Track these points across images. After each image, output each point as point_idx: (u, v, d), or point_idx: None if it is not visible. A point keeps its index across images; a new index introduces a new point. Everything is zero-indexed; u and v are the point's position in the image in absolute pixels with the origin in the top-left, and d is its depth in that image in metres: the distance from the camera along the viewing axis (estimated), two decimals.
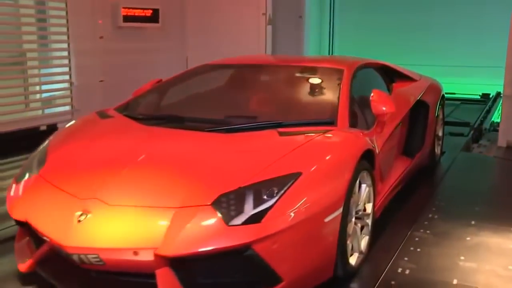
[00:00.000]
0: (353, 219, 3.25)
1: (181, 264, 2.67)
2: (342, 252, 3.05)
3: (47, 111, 6.55)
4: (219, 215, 2.69)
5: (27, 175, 3.32)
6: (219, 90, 4.60)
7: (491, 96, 9.48)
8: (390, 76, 5.17)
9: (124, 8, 7.06)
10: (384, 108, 3.82)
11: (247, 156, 3.16)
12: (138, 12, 7.28)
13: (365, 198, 3.44)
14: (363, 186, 3.41)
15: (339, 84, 4.04)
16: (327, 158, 3.16)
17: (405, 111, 4.65)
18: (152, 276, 2.65)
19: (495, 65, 9.30)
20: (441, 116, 5.74)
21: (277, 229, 2.67)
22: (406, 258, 3.41)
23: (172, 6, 8.00)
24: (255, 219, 2.67)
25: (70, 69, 6.62)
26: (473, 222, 3.99)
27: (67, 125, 3.97)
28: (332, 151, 3.26)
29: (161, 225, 2.71)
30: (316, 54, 10.43)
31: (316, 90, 4.28)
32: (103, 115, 4.02)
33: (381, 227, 3.85)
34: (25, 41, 6.51)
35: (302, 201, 2.79)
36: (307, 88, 4.40)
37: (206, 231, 2.66)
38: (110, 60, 6.94)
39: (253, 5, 8.05)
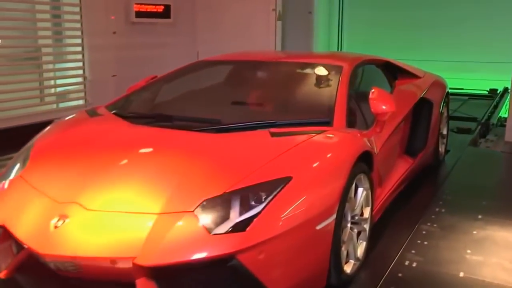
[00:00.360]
0: (349, 225, 3.06)
1: (161, 274, 2.48)
2: (336, 260, 2.87)
3: (61, 105, 6.58)
4: (202, 222, 2.51)
5: (10, 175, 3.12)
6: (213, 88, 4.40)
7: (498, 91, 9.41)
8: (393, 73, 4.98)
9: (136, 4, 7.08)
10: (384, 107, 3.58)
11: (235, 159, 2.94)
12: (150, 8, 7.29)
13: (363, 202, 3.25)
14: (360, 190, 3.21)
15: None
16: (321, 160, 2.97)
17: (408, 109, 4.46)
18: (133, 285, 2.48)
19: (503, 60, 9.26)
20: (445, 114, 5.53)
21: (263, 238, 2.48)
22: (413, 251, 3.41)
23: (183, 2, 8.00)
24: (240, 227, 2.49)
25: (83, 64, 6.65)
26: (480, 216, 3.98)
27: (54, 123, 3.76)
28: (326, 153, 3.05)
29: (141, 232, 2.52)
30: (325, 50, 10.39)
31: (313, 88, 4.07)
32: (92, 113, 3.82)
33: (388, 220, 3.85)
34: (40, 37, 6.53)
35: (292, 207, 2.60)
36: (303, 85, 4.16)
37: (187, 239, 2.47)
38: (122, 55, 6.97)
39: (263, 0, 8.02)
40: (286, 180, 2.69)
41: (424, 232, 3.70)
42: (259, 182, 2.68)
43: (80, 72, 6.67)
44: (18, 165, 3.18)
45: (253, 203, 2.58)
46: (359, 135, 3.43)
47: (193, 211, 2.56)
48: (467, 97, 9.09)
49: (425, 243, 3.54)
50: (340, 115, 3.50)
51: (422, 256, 3.35)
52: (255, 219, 2.51)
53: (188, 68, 4.54)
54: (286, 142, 3.06)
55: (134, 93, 4.16)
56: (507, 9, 9.69)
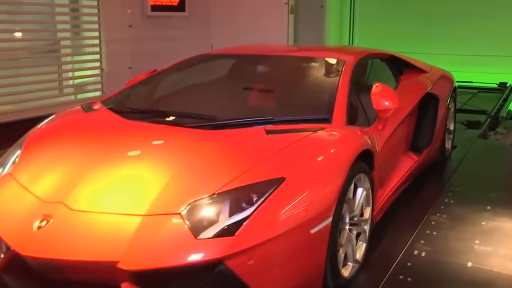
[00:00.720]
0: (347, 227, 2.91)
1: (146, 279, 2.33)
2: (333, 265, 2.71)
3: (79, 96, 6.63)
4: (188, 226, 2.35)
5: (1, 171, 3.00)
6: (210, 83, 4.19)
7: (508, 85, 9.34)
8: (399, 67, 4.77)
9: None
10: (386, 103, 3.38)
11: (227, 158, 2.77)
12: (165, 2, 7.30)
13: (363, 203, 3.08)
14: (360, 190, 3.03)
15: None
16: (317, 160, 2.79)
17: (413, 104, 4.27)
18: None
19: None
20: (453, 109, 5.32)
21: (253, 243, 2.32)
22: (422, 241, 3.41)
23: None
24: (229, 231, 2.33)
25: (101, 56, 6.69)
26: (488, 207, 3.97)
27: (49, 118, 3.56)
28: (323, 152, 2.86)
29: (125, 235, 2.36)
30: (337, 43, 10.35)
31: (313, 83, 3.89)
32: (87, 108, 3.63)
33: (397, 211, 3.85)
34: (59, 30, 6.57)
35: (285, 210, 2.44)
36: (303, 80, 3.98)
37: (172, 244, 2.32)
38: (138, 48, 6.99)
39: None
40: (279, 181, 2.52)
41: (433, 223, 3.70)
42: (250, 183, 2.51)
43: (97, 64, 6.71)
44: (9, 162, 3.04)
45: (244, 205, 2.42)
46: (359, 132, 3.24)
47: (179, 213, 2.41)
48: (476, 91, 9.03)
49: (434, 233, 3.53)
50: (339, 112, 3.30)
51: (431, 246, 3.35)
52: (245, 223, 2.35)
53: (187, 62, 4.33)
54: (281, 140, 2.89)
55: (131, 88, 4.00)
56: None
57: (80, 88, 6.80)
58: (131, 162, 2.83)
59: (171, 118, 3.31)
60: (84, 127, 3.30)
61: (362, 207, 3.10)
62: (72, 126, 3.36)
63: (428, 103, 4.49)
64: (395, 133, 3.81)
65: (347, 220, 2.91)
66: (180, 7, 7.53)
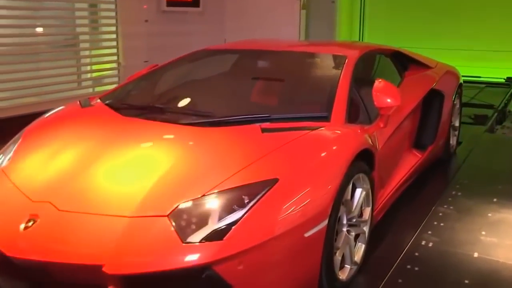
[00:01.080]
0: (345, 229, 2.77)
1: (131, 284, 2.19)
2: (328, 268, 2.57)
3: (97, 89, 6.67)
4: (175, 229, 2.21)
5: None
6: (209, 79, 4.00)
7: None
8: (403, 63, 4.59)
9: None
10: (388, 100, 3.21)
11: (219, 157, 2.61)
12: None
13: (362, 203, 2.94)
14: (359, 190, 2.88)
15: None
16: (312, 160, 2.61)
17: (417, 101, 4.10)
18: None
19: None
20: (458, 105, 5.13)
21: (243, 248, 2.18)
22: (429, 232, 3.42)
23: None
24: (217, 234, 2.19)
25: (117, 50, 6.72)
26: (495, 200, 3.97)
27: (46, 114, 3.41)
28: (319, 152, 2.69)
29: (111, 237, 2.23)
30: (347, 39, 10.31)
31: (313, 79, 3.69)
32: (85, 103, 3.48)
33: (405, 202, 3.86)
34: (78, 25, 6.61)
35: (277, 213, 2.29)
36: (303, 77, 3.75)
37: (158, 247, 2.19)
38: (154, 42, 7.02)
39: None
40: (272, 182, 2.37)
41: (440, 214, 3.70)
42: (242, 185, 2.36)
43: (115, 58, 6.74)
44: (4, 158, 2.93)
45: (235, 207, 2.27)
46: (359, 131, 3.06)
47: (167, 215, 2.26)
48: (484, 85, 8.98)
49: (442, 224, 3.54)
50: (339, 110, 3.13)
51: (438, 236, 3.36)
52: (234, 226, 2.21)
53: (188, 57, 4.14)
54: (276, 139, 2.72)
55: (131, 83, 3.84)
56: None
57: (97, 81, 6.84)
58: (121, 161, 2.69)
59: (166, 114, 3.14)
60: (78, 124, 3.15)
61: (361, 207, 2.96)
62: (66, 122, 3.21)
63: (433, 99, 4.36)
64: (398, 130, 3.64)
65: (345, 222, 2.78)
66: (195, 3, 7.54)
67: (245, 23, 8.16)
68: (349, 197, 2.76)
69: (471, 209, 3.81)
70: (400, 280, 2.86)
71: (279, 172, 2.44)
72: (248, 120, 2.96)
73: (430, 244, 3.26)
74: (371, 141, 3.08)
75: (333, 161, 2.68)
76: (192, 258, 2.15)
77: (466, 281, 2.86)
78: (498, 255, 3.14)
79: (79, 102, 3.52)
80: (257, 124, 2.89)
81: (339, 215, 2.63)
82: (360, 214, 2.96)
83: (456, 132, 5.21)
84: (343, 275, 2.78)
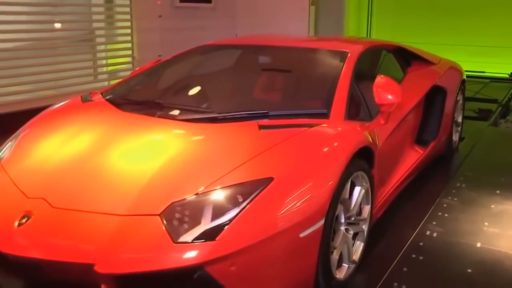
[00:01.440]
0: (343, 228, 2.64)
1: (123, 283, 2.11)
2: (324, 268, 2.45)
3: (112, 82, 6.71)
4: (167, 228, 2.11)
5: None
6: (210, 74, 3.86)
7: None
8: (406, 59, 4.44)
9: None
10: (389, 97, 3.09)
11: (215, 154, 2.50)
12: None
13: (361, 202, 2.82)
14: (357, 189, 2.76)
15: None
16: (309, 159, 2.48)
17: (419, 97, 3.96)
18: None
19: None
20: (461, 101, 4.99)
21: (235, 248, 2.08)
22: (434, 222, 3.43)
23: None
24: (210, 234, 2.09)
25: (132, 45, 6.76)
26: (498, 191, 3.97)
27: (48, 108, 3.33)
28: (316, 150, 2.56)
29: (103, 236, 2.15)
30: (355, 35, 10.28)
31: (313, 75, 3.50)
32: (86, 98, 3.38)
33: (410, 195, 3.86)
34: (94, 21, 6.65)
35: (271, 213, 2.19)
36: (303, 73, 3.59)
37: (149, 247, 2.09)
38: (167, 37, 7.04)
39: None
40: (267, 181, 2.26)
41: (445, 205, 3.71)
42: (236, 183, 2.25)
43: (129, 52, 6.78)
44: (4, 152, 2.86)
45: (230, 206, 2.17)
46: (359, 128, 2.93)
47: (159, 214, 2.17)
48: (488, 80, 8.93)
49: (446, 215, 3.56)
50: (338, 106, 2.99)
51: (442, 227, 3.38)
52: (227, 226, 2.11)
53: (189, 53, 3.99)
54: (273, 136, 2.60)
55: (132, 79, 3.73)
56: None
57: (113, 74, 6.88)
58: (116, 157, 2.59)
59: (164, 110, 3.01)
60: (77, 119, 3.05)
61: (360, 205, 2.84)
62: (66, 117, 3.12)
63: (435, 95, 4.24)
64: (399, 127, 3.51)
65: (343, 221, 2.66)
66: None
67: (255, 19, 8.16)
68: (347, 195, 2.65)
69: (475, 200, 3.82)
70: (405, 269, 2.88)
71: (275, 171, 2.33)
72: (246, 116, 2.84)
73: (435, 234, 3.28)
74: (371, 139, 2.96)
75: (331, 159, 2.55)
76: (183, 258, 2.05)
77: (469, 270, 2.88)
78: (500, 245, 3.16)
79: (81, 97, 3.44)
80: (255, 121, 2.77)
81: (336, 214, 2.52)
82: (359, 212, 2.86)
83: (459, 128, 5.11)
84: (341, 274, 2.66)
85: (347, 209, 2.68)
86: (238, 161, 2.38)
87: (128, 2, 6.62)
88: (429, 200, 3.80)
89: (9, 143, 2.94)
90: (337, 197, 2.48)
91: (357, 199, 2.77)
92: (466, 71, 5.33)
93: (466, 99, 5.38)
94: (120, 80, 3.74)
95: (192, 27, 7.54)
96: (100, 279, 2.10)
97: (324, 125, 2.79)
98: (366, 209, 2.90)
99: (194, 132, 2.74)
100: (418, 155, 4.00)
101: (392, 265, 2.91)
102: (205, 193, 2.23)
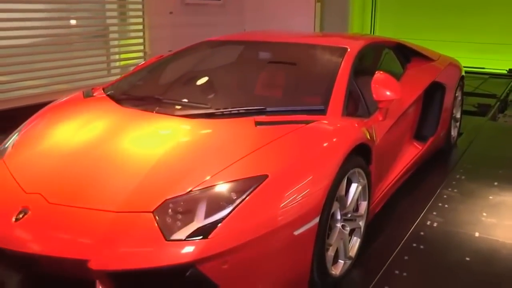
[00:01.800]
0: (339, 224, 2.56)
1: (117, 279, 2.06)
2: (320, 265, 2.37)
3: None
4: (160, 226, 2.04)
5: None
6: (210, 70, 3.75)
7: None
8: (406, 55, 4.35)
9: None
10: (388, 93, 2.99)
11: (210, 151, 2.42)
12: None
13: (357, 198, 2.72)
14: (354, 185, 2.65)
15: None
16: (304, 156, 2.39)
17: (418, 93, 3.87)
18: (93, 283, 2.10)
19: None
20: (460, 97, 4.89)
21: (228, 246, 2.01)
22: (434, 213, 3.46)
23: None
24: (202, 232, 2.02)
25: (144, 40, 6.81)
26: (496, 183, 3.99)
27: (49, 104, 3.27)
28: (312, 147, 2.46)
29: (97, 232, 2.09)
30: (359, 31, 10.25)
31: (312, 72, 3.38)
32: (87, 94, 3.30)
33: (412, 185, 3.88)
34: (108, 17, 6.68)
35: (266, 210, 2.12)
36: (302, 69, 3.48)
37: (142, 244, 2.03)
38: (177, 32, 7.06)
39: None
40: (261, 179, 2.18)
41: (445, 197, 3.74)
42: (230, 181, 2.18)
43: (141, 47, 6.82)
44: (6, 147, 2.80)
45: (222, 204, 2.10)
46: (356, 125, 2.82)
47: (152, 211, 2.10)
48: (487, 76, 8.91)
49: (446, 206, 3.58)
50: (336, 103, 2.89)
51: (442, 217, 3.40)
52: (220, 224, 2.03)
53: (191, 48, 3.89)
54: (269, 133, 2.51)
55: (134, 74, 3.65)
56: None
57: (125, 69, 6.90)
58: (113, 153, 2.53)
59: (163, 106, 2.93)
60: (77, 115, 2.98)
61: (357, 202, 2.75)
62: (66, 113, 3.05)
63: (434, 91, 4.17)
64: (398, 123, 3.41)
65: (339, 218, 2.57)
66: None
67: (263, 15, 8.17)
68: (343, 193, 2.55)
69: (474, 192, 3.84)
70: (406, 257, 2.91)
71: (269, 168, 2.24)
72: (243, 112, 2.74)
73: (435, 224, 3.30)
74: (369, 135, 2.86)
75: (327, 157, 2.45)
76: (175, 256, 1.99)
77: (468, 259, 2.91)
78: (497, 234, 3.18)
79: (82, 92, 3.36)
80: (252, 117, 2.68)
81: (332, 211, 2.43)
82: (356, 209, 2.76)
83: (458, 124, 5.04)
84: (336, 270, 2.58)
85: (343, 206, 2.60)
86: (233, 158, 2.30)
87: None
88: (430, 191, 3.81)
89: (12, 137, 2.89)
90: (333, 195, 2.39)
91: (353, 196, 2.67)
92: (466, 67, 5.30)
93: (466, 94, 5.36)
94: (121, 75, 3.71)
95: (202, 23, 7.56)
96: (94, 275, 2.06)
97: (321, 121, 2.70)
98: (363, 205, 2.82)
99: (191, 128, 2.66)
100: (416, 150, 3.93)
101: (394, 254, 2.93)
102: (199, 190, 2.16)
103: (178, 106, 2.92)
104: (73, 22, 6.12)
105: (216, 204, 2.10)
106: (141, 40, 6.80)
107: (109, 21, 6.69)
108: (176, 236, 2.02)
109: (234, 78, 3.62)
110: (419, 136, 4.06)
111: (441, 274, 2.78)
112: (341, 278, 2.64)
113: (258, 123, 2.62)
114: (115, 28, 6.76)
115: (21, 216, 2.21)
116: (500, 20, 9.44)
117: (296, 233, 2.19)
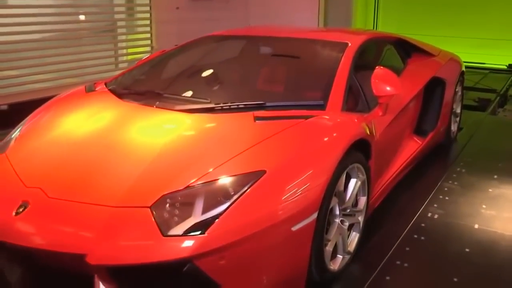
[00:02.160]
0: (338, 219, 2.51)
1: (114, 274, 2.03)
2: (318, 260, 2.34)
3: None
4: (157, 221, 2.01)
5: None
6: (211, 65, 3.67)
7: None
8: (406, 50, 4.29)
9: None
10: (388, 89, 2.94)
11: (208, 146, 2.37)
12: None
13: (357, 193, 2.67)
14: (353, 181, 2.61)
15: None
16: (303, 151, 2.34)
17: (418, 88, 3.82)
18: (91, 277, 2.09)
19: None
20: (460, 93, 4.84)
21: (225, 242, 1.97)
22: (435, 205, 3.46)
23: None
24: (200, 228, 1.98)
25: (151, 35, 6.78)
26: (495, 176, 3.99)
27: (52, 98, 3.22)
28: (311, 142, 2.41)
29: (95, 227, 2.05)
30: (362, 26, 10.21)
31: (312, 67, 3.32)
32: (89, 88, 3.25)
33: (414, 178, 3.88)
34: (116, 12, 6.68)
35: (263, 206, 2.07)
36: (302, 64, 3.41)
37: (139, 240, 2.00)
38: (184, 27, 7.04)
39: None
40: (259, 174, 2.13)
41: (446, 189, 3.73)
42: (228, 176, 2.13)
43: (148, 42, 6.81)
44: (9, 142, 2.76)
45: (219, 199, 2.06)
46: (356, 120, 2.77)
47: (149, 206, 2.06)
48: (488, 71, 8.86)
49: (446, 198, 3.57)
50: (336, 98, 2.83)
51: (443, 209, 3.40)
52: (218, 219, 2.00)
53: (193, 43, 3.83)
54: (268, 128, 2.46)
55: (136, 69, 3.58)
56: None
57: (133, 63, 6.88)
58: (112, 147, 2.48)
59: (163, 100, 2.87)
60: (78, 109, 2.94)
61: (356, 197, 2.70)
62: (68, 107, 3.01)
63: (435, 86, 4.11)
64: (398, 118, 3.35)
65: (338, 213, 2.52)
66: None
67: (267, 10, 8.15)
68: (342, 188, 2.51)
69: (474, 184, 3.83)
70: (407, 248, 2.91)
71: (268, 164, 2.20)
72: (242, 107, 2.69)
73: (436, 216, 3.30)
74: (368, 130, 2.80)
75: (326, 151, 2.40)
76: (172, 251, 1.95)
77: (467, 250, 2.91)
78: (496, 226, 3.18)
79: (85, 87, 3.31)
80: (251, 112, 2.62)
81: (331, 206, 2.39)
82: (355, 204, 2.72)
83: (457, 119, 4.98)
84: (335, 265, 2.54)
85: (342, 201, 2.55)
86: (231, 153, 2.26)
87: None
88: (431, 184, 3.81)
89: (16, 131, 2.85)
90: (332, 190, 2.35)
91: (352, 191, 2.63)
92: (466, 62, 5.26)
93: (466, 89, 5.32)
94: (124, 70, 3.67)
95: (207, 18, 7.53)
96: (93, 270, 2.04)
97: (321, 116, 2.64)
98: (362, 200, 2.77)
99: (190, 123, 2.61)
100: (416, 145, 3.88)
101: (395, 245, 2.93)
102: (196, 185, 2.12)
103: (178, 101, 2.86)
104: (82, 17, 6.11)
105: (213, 199, 2.07)
106: (148, 35, 6.78)
107: (117, 16, 6.68)
108: (173, 231, 1.99)
109: (234, 72, 3.56)
110: (419, 131, 4.01)
111: (441, 265, 2.78)
112: (340, 273, 2.60)
113: (257, 118, 2.56)
114: (123, 23, 6.74)
115: (21, 210, 2.19)
116: (500, 16, 9.39)
117: (294, 228, 2.15)
